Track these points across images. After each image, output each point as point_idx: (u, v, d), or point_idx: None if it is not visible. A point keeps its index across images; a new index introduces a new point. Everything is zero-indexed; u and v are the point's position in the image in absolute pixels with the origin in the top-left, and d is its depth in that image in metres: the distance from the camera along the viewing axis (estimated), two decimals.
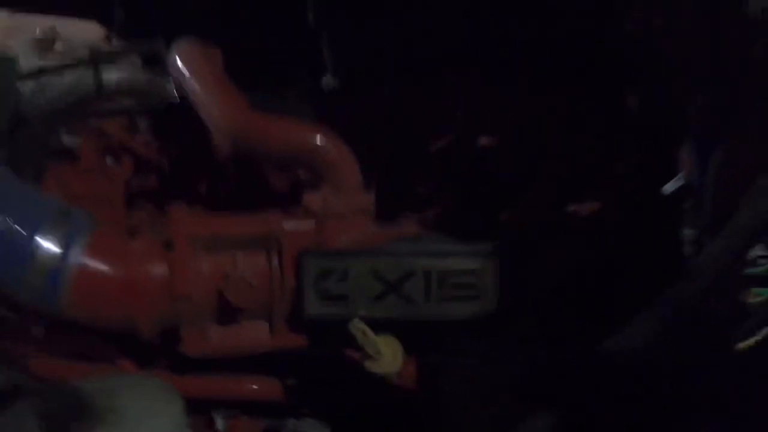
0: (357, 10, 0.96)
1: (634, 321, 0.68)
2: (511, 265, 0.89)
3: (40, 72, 1.46)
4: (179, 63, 1.02)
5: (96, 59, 1.37)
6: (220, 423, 0.95)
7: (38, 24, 1.87)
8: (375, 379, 0.85)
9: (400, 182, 1.04)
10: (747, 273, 0.76)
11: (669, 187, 0.92)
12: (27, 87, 1.37)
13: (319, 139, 0.92)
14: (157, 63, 1.34)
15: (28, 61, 1.69)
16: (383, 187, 0.96)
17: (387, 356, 0.84)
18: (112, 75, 1.40)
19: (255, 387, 0.96)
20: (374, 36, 0.99)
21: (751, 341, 0.70)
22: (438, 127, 1.06)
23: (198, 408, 0.89)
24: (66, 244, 0.82)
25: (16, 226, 0.81)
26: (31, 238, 0.81)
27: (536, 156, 1.02)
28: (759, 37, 0.74)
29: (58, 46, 1.80)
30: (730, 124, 0.84)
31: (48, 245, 0.81)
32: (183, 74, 1.01)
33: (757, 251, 0.78)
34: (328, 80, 0.99)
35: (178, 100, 1.11)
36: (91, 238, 0.85)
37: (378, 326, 0.85)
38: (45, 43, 1.77)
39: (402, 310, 0.89)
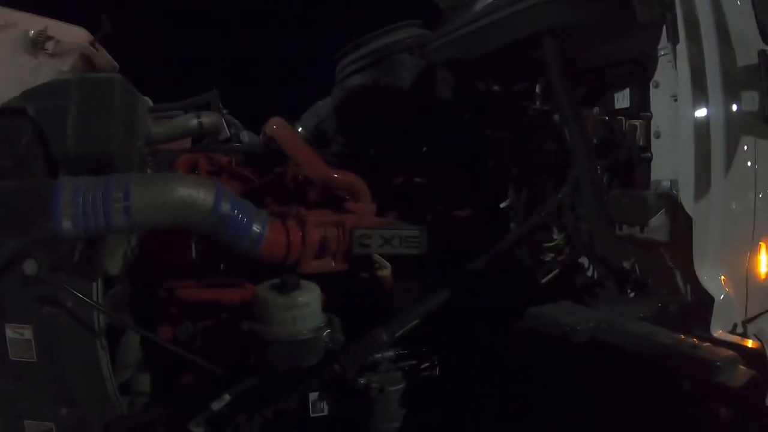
0: None
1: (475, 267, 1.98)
2: None
3: (157, 111, 2.23)
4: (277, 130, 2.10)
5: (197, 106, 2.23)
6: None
7: (30, 23, 2.19)
8: None
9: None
10: (544, 245, 2.05)
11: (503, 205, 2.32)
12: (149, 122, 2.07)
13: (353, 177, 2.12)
14: (208, 108, 2.31)
15: (19, 58, 2.14)
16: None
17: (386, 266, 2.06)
18: (206, 119, 2.26)
19: None
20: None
21: (548, 277, 1.95)
22: None
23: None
24: (262, 225, 1.87)
25: (243, 217, 1.82)
26: (250, 222, 1.83)
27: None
28: None
29: (49, 46, 2.21)
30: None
31: (256, 226, 1.84)
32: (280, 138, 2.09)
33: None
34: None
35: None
36: (269, 222, 1.90)
37: None
38: (37, 43, 2.19)
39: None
